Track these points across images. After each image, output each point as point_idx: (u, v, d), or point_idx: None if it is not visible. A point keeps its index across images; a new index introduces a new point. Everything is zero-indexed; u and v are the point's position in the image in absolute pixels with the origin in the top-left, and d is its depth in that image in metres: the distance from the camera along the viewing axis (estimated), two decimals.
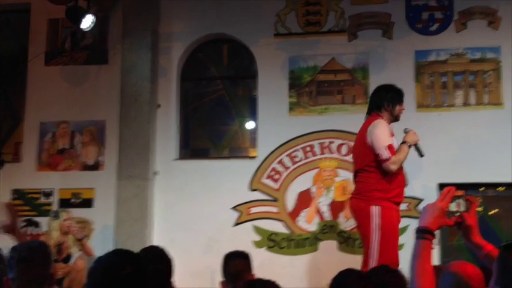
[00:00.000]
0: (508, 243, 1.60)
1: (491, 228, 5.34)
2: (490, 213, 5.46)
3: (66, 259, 5.00)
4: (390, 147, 3.82)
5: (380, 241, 3.72)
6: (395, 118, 4.05)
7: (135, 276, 1.52)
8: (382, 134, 3.85)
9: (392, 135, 3.95)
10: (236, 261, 3.06)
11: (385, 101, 4.02)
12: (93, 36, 6.20)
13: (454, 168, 5.32)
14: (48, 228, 5.19)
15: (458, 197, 1.79)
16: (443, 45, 5.63)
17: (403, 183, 4.01)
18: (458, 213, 1.83)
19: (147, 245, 5.56)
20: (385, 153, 3.78)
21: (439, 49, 5.63)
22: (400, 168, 3.90)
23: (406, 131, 3.97)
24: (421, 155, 4.00)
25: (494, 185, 5.44)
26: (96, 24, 5.76)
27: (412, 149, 3.95)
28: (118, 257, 1.57)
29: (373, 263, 3.66)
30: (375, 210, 3.79)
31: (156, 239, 5.71)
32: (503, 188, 5.49)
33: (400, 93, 4.11)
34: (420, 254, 1.66)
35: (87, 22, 5.65)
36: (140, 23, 6.00)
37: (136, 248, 5.45)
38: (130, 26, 6.02)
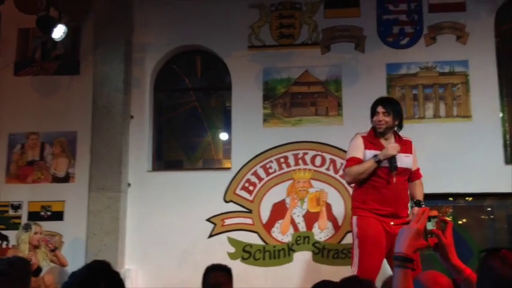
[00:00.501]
0: (488, 248, 1.63)
1: (461, 237, 5.45)
2: (460, 222, 5.59)
3: (36, 272, 4.88)
4: (350, 160, 3.93)
5: (358, 249, 3.81)
6: (377, 130, 3.99)
7: None
8: (349, 149, 4.03)
9: (372, 145, 3.94)
10: (216, 273, 3.04)
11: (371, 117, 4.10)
12: (65, 47, 6.11)
13: (424, 178, 5.35)
14: (17, 242, 5.05)
15: (434, 217, 1.75)
16: (413, 59, 5.77)
17: (387, 198, 3.86)
18: (434, 234, 1.82)
19: (119, 258, 5.50)
20: (343, 166, 4.04)
21: (410, 62, 5.76)
22: (384, 183, 3.85)
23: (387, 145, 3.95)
24: (393, 169, 3.88)
25: (463, 195, 5.57)
26: (68, 34, 5.68)
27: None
28: (92, 272, 1.54)
29: (355, 270, 3.74)
30: (354, 220, 3.92)
31: (129, 252, 5.64)
32: (472, 198, 5.63)
33: (374, 104, 4.08)
34: (399, 283, 1.66)
35: (59, 32, 5.56)
36: (113, 33, 5.95)
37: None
38: (102, 36, 5.97)
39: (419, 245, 1.69)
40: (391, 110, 3.97)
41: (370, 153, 3.90)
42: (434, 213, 1.78)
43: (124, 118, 5.85)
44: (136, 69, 6.07)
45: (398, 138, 4.03)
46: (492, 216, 5.62)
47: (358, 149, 3.94)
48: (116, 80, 5.87)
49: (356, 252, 3.82)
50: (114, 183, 5.64)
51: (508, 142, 5.64)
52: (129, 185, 5.80)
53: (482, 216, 5.65)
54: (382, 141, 3.98)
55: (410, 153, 4.03)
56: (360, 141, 3.97)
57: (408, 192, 4.03)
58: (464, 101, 5.66)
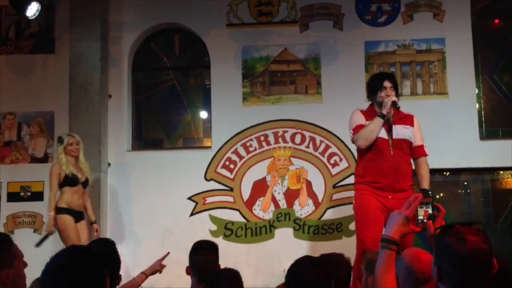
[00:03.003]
0: (444, 225, 1.66)
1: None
2: (437, 197, 5.73)
3: (85, 184, 4.94)
4: (356, 128, 3.91)
5: (356, 223, 3.94)
6: (381, 106, 3.89)
7: (86, 276, 1.49)
8: (350, 122, 4.00)
9: (370, 118, 3.89)
10: (206, 253, 3.04)
11: (368, 92, 4.14)
12: (39, 25, 5.98)
13: None
14: (55, 157, 5.00)
15: (427, 203, 1.76)
16: (391, 37, 5.81)
17: (383, 169, 3.82)
18: (425, 220, 1.82)
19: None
20: (350, 135, 3.98)
21: (388, 40, 5.81)
22: (380, 155, 3.83)
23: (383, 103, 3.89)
24: (396, 106, 3.86)
25: (440, 171, 5.70)
26: (42, 12, 5.53)
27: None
28: (67, 258, 1.53)
29: (357, 243, 3.88)
30: (354, 194, 4.01)
31: (110, 232, 5.63)
32: (448, 173, 5.77)
33: (378, 80, 4.01)
34: (382, 264, 1.72)
35: (32, 10, 5.42)
36: (89, 11, 5.83)
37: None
38: (78, 14, 5.85)
39: (407, 230, 1.74)
40: (395, 85, 4.00)
41: (367, 123, 3.91)
42: (428, 199, 1.81)
43: (102, 97, 5.78)
44: (113, 48, 5.99)
45: (398, 112, 3.96)
46: (468, 191, 5.78)
47: (360, 119, 3.94)
48: (92, 59, 5.77)
49: (356, 225, 3.95)
50: (94, 163, 5.58)
51: (483, 118, 5.77)
52: (109, 164, 5.77)
53: (459, 191, 5.80)
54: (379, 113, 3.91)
55: (410, 125, 3.97)
56: (360, 115, 3.98)
57: (411, 167, 3.97)
58: (440, 78, 5.75)
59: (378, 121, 3.82)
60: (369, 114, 3.97)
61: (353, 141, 4.00)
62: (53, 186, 4.80)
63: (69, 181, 4.81)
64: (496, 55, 5.92)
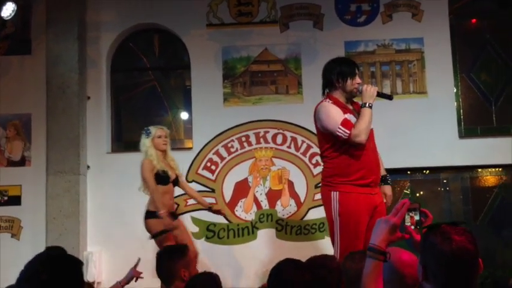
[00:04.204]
0: (431, 225, 1.66)
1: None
2: (417, 195, 5.79)
3: (176, 181, 4.59)
4: (345, 122, 3.48)
5: (340, 228, 3.51)
6: (350, 95, 3.61)
7: (61, 283, 1.47)
8: (330, 116, 3.52)
9: (346, 110, 3.58)
10: (169, 261, 2.97)
11: (335, 76, 3.59)
12: (15, 25, 5.85)
13: (383, 153, 5.48)
14: (142, 149, 4.56)
15: (414, 209, 1.72)
16: (371, 36, 5.84)
17: (368, 164, 3.54)
18: (413, 227, 1.77)
19: (81, 241, 5.42)
20: (342, 132, 3.46)
21: (367, 40, 5.84)
22: (362, 149, 3.51)
23: (360, 91, 3.56)
24: (390, 98, 3.72)
25: (420, 169, 5.75)
26: (18, 13, 5.43)
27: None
28: (42, 264, 1.52)
29: (337, 249, 3.51)
30: (334, 196, 3.55)
31: (91, 235, 5.56)
32: (428, 172, 5.83)
33: (351, 65, 3.65)
34: (370, 274, 1.69)
35: (8, 10, 5.31)
36: (66, 11, 5.75)
37: (69, 246, 5.25)
38: (54, 15, 5.76)
39: (394, 238, 1.70)
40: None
41: (350, 117, 3.53)
42: (415, 205, 1.78)
43: (80, 99, 5.69)
44: (91, 49, 5.90)
45: (354, 103, 3.71)
46: (448, 189, 5.84)
47: (339, 113, 3.52)
48: (70, 60, 5.69)
49: (337, 230, 3.52)
50: (73, 166, 5.51)
51: (461, 117, 5.84)
52: (88, 167, 5.69)
53: (439, 189, 5.86)
54: (349, 105, 3.65)
55: None
56: (336, 108, 3.54)
57: None
58: (420, 78, 5.80)
59: (370, 113, 3.48)
60: (341, 105, 3.57)
61: (350, 138, 3.45)
62: (151, 183, 4.34)
63: (159, 179, 4.39)
64: (473, 54, 5.99)
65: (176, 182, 4.62)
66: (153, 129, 4.56)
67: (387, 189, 3.77)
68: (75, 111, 5.63)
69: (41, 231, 5.44)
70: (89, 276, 5.31)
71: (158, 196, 4.35)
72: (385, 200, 3.73)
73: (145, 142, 4.53)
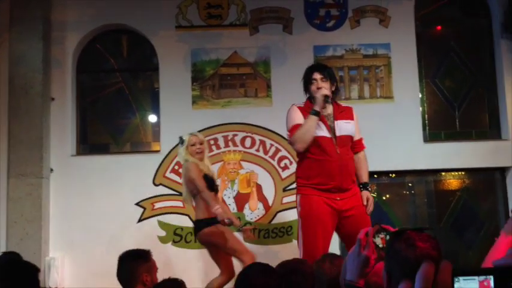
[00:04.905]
0: (396, 231, 1.64)
1: (384, 212, 5.74)
2: (384, 198, 5.87)
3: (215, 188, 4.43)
4: (292, 128, 3.62)
5: (302, 229, 3.59)
6: (315, 100, 3.63)
7: None
8: (288, 120, 3.70)
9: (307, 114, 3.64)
10: (132, 264, 2.90)
11: (303, 84, 3.78)
12: None
13: None
14: (181, 158, 4.48)
15: (378, 231, 1.69)
16: (339, 41, 5.89)
17: (328, 170, 3.57)
18: (383, 249, 1.72)
19: (43, 247, 5.27)
20: (288, 137, 3.67)
21: (336, 45, 5.89)
22: (324, 155, 3.57)
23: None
24: (326, 101, 3.62)
25: (386, 173, 5.83)
26: None
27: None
28: None
29: (300, 251, 3.55)
30: (297, 199, 3.71)
31: (53, 240, 5.41)
32: (394, 175, 5.91)
33: (310, 72, 3.73)
34: None
35: None
36: (30, 10, 5.59)
37: (30, 251, 5.12)
38: (18, 13, 5.60)
39: (370, 269, 1.68)
40: (328, 75, 3.69)
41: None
42: (376, 227, 1.71)
43: (44, 100, 5.55)
44: (56, 49, 5.76)
45: (337, 106, 3.75)
46: (413, 192, 5.94)
47: (297, 117, 3.63)
48: (33, 60, 5.53)
49: (300, 232, 3.60)
50: (35, 169, 5.36)
51: (426, 122, 5.96)
52: (51, 170, 5.54)
53: (404, 192, 5.96)
54: (327, 110, 3.68)
55: (351, 119, 3.73)
56: (297, 111, 3.66)
57: (354, 164, 3.76)
58: (386, 83, 5.88)
59: (312, 119, 3.52)
60: (306, 110, 3.64)
61: (290, 144, 3.72)
62: (202, 183, 4.19)
63: (207, 182, 4.27)
64: (438, 60, 6.13)
65: (217, 190, 4.51)
66: (186, 137, 4.45)
67: (364, 195, 3.77)
68: (39, 112, 5.48)
69: (1, 236, 5.28)
70: (51, 282, 5.17)
71: (209, 195, 4.19)
72: (365, 204, 3.76)
73: (181, 152, 4.46)
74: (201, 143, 4.44)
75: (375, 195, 5.70)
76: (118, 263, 2.85)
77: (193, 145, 4.40)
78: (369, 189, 3.90)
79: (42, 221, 5.31)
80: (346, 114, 3.74)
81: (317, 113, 3.55)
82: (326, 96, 3.59)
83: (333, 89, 3.74)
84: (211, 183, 4.35)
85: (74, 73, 5.86)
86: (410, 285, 1.41)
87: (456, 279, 0.70)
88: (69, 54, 5.79)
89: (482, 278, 0.70)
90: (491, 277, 0.70)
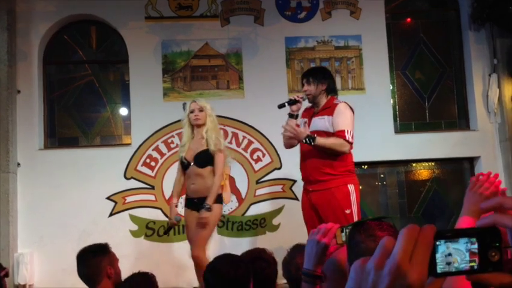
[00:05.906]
0: (356, 222, 1.64)
1: None
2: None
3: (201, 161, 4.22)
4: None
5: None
6: (312, 101, 4.07)
7: None
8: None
9: (307, 114, 4.11)
10: (93, 259, 2.82)
11: None
12: None
13: None
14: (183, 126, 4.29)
15: (346, 226, 1.67)
16: (311, 33, 5.90)
17: (301, 164, 4.08)
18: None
19: (11, 243, 5.14)
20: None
21: (307, 36, 5.89)
22: (301, 149, 4.04)
23: (304, 99, 4.07)
24: (280, 107, 3.98)
25: (359, 164, 5.86)
26: None
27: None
28: None
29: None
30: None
31: (22, 236, 5.28)
32: (367, 166, 5.97)
33: (302, 76, 4.19)
34: None
35: None
36: None
37: None
38: None
39: (326, 259, 1.66)
40: (311, 78, 4.00)
41: (300, 120, 4.11)
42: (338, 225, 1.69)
43: (10, 93, 5.39)
44: (21, 40, 5.60)
45: (329, 102, 3.98)
46: (384, 183, 6.02)
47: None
48: None
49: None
50: (2, 164, 5.22)
51: (397, 113, 6.02)
52: (18, 164, 5.40)
53: (376, 183, 6.02)
54: (315, 108, 4.06)
55: (329, 115, 3.90)
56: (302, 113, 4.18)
57: (328, 157, 3.86)
58: (358, 75, 5.92)
59: (305, 143, 3.83)
60: (306, 110, 4.15)
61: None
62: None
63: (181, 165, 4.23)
64: (408, 52, 6.19)
65: (209, 161, 4.19)
66: (188, 104, 4.27)
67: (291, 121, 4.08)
68: (4, 105, 5.33)
69: None
70: (20, 278, 5.06)
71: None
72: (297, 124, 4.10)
73: (184, 118, 4.28)
74: (201, 110, 4.17)
75: None
76: (77, 261, 2.76)
77: (192, 112, 4.19)
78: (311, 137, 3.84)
79: (9, 216, 5.18)
80: (327, 111, 3.94)
81: (291, 115, 4.01)
82: (291, 100, 4.00)
83: (324, 88, 4.00)
84: (183, 165, 4.25)
85: (41, 65, 5.71)
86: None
87: (438, 243, 0.69)
88: (35, 45, 5.64)
89: (466, 239, 0.70)
90: (475, 239, 0.70)
